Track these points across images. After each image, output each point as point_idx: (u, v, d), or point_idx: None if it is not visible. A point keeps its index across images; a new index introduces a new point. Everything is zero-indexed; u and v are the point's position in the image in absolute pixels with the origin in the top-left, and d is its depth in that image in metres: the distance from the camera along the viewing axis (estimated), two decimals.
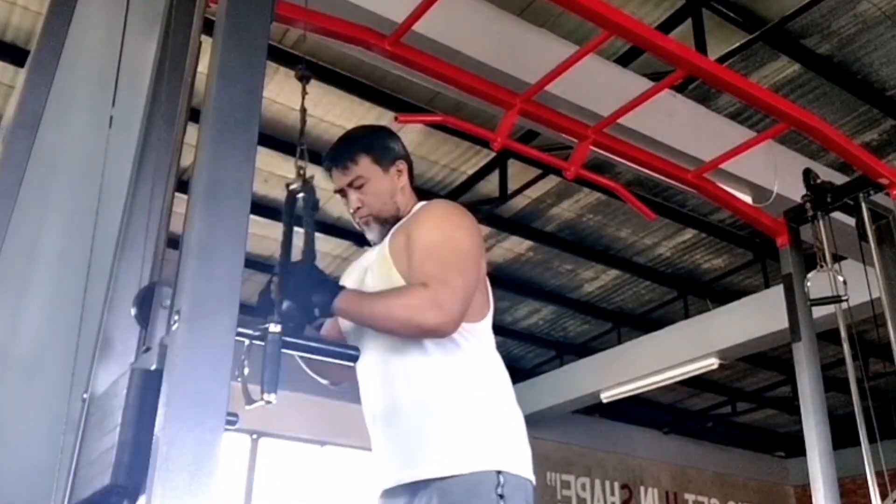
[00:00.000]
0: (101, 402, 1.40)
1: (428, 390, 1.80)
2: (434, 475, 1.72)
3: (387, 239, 1.97)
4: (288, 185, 1.79)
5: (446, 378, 1.80)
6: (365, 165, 2.00)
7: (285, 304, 1.64)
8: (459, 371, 1.81)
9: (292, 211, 1.75)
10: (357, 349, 1.68)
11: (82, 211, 1.81)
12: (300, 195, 1.73)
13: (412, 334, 1.78)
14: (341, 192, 2.04)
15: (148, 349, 1.28)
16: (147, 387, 1.18)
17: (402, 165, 2.06)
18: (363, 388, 1.94)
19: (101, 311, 1.64)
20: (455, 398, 1.79)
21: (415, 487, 1.76)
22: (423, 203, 2.04)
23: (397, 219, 2.01)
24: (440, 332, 1.76)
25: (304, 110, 1.84)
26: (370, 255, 2.04)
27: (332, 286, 1.75)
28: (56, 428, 1.53)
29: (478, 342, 1.87)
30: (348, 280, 2.04)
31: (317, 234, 2.35)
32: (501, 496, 1.68)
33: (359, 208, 2.01)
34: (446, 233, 1.88)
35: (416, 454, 1.77)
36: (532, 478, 1.78)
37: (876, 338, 3.75)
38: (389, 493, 1.83)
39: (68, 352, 1.61)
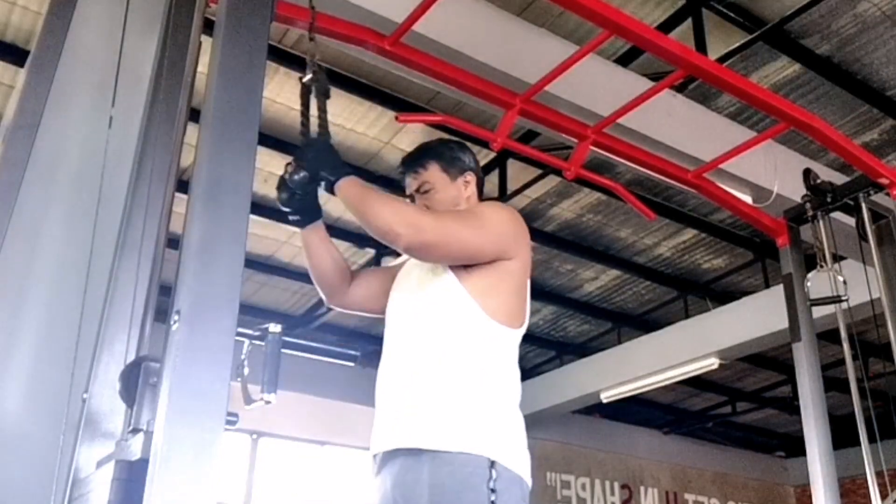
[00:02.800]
0: (84, 487, 1.37)
1: (445, 373, 1.81)
2: (425, 446, 1.73)
3: None
4: (301, 79, 2.03)
5: (465, 367, 1.82)
6: (433, 172, 2.09)
7: (299, 175, 1.88)
8: (480, 365, 1.83)
9: (308, 102, 2.02)
10: (357, 350, 1.68)
11: (82, 211, 1.81)
12: (314, 84, 2.00)
13: (383, 238, 1.86)
14: (411, 197, 2.12)
15: (134, 430, 1.23)
16: (132, 479, 1.15)
17: (470, 177, 2.13)
18: (385, 354, 1.97)
19: (100, 310, 1.64)
20: (467, 386, 1.80)
21: (405, 456, 1.77)
22: None
23: None
24: (406, 248, 1.83)
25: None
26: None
27: (344, 168, 1.91)
28: (56, 428, 1.53)
29: (507, 348, 1.90)
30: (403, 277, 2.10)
31: None
32: (493, 490, 1.67)
33: None
34: (480, 207, 2.01)
35: (414, 424, 1.78)
36: (528, 480, 1.78)
37: (876, 338, 3.75)
38: (380, 458, 1.85)
39: (68, 351, 1.61)
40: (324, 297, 2.17)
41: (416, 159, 2.12)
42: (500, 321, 1.87)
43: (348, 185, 1.89)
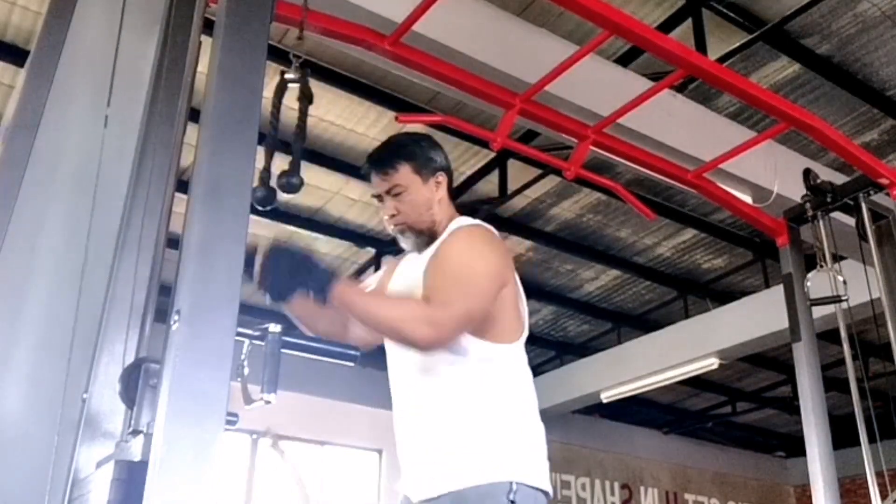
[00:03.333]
0: (84, 488, 1.38)
1: (456, 409, 1.84)
2: (452, 489, 1.78)
3: (426, 260, 1.95)
4: (283, 73, 1.93)
5: (475, 398, 1.84)
6: (405, 174, 1.98)
7: (271, 295, 1.66)
8: (489, 392, 1.85)
9: (281, 98, 1.90)
10: (357, 349, 1.69)
11: (82, 211, 1.81)
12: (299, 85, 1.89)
13: (400, 344, 1.81)
14: (378, 196, 2.02)
15: (134, 432, 1.24)
16: (131, 479, 1.15)
17: (441, 177, 2.03)
18: (395, 396, 1.98)
19: (100, 310, 1.64)
20: (481, 418, 1.83)
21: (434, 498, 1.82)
22: (458, 220, 2.02)
23: (432, 231, 2.00)
24: (427, 349, 1.78)
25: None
26: (414, 268, 2.01)
27: (329, 275, 1.69)
28: (52, 429, 1.53)
29: (511, 363, 1.90)
30: (397, 284, 2.05)
31: (317, 236, 2.34)
32: (513, 502, 1.73)
33: (394, 215, 1.99)
34: (467, 258, 1.88)
35: (439, 470, 1.82)
36: (548, 489, 1.83)
37: (876, 338, 3.74)
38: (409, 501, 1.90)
39: (67, 352, 1.61)
40: None
41: (387, 159, 2.01)
42: (504, 341, 1.88)
43: (344, 293, 1.71)
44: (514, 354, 1.92)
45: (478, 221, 2.02)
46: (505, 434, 1.83)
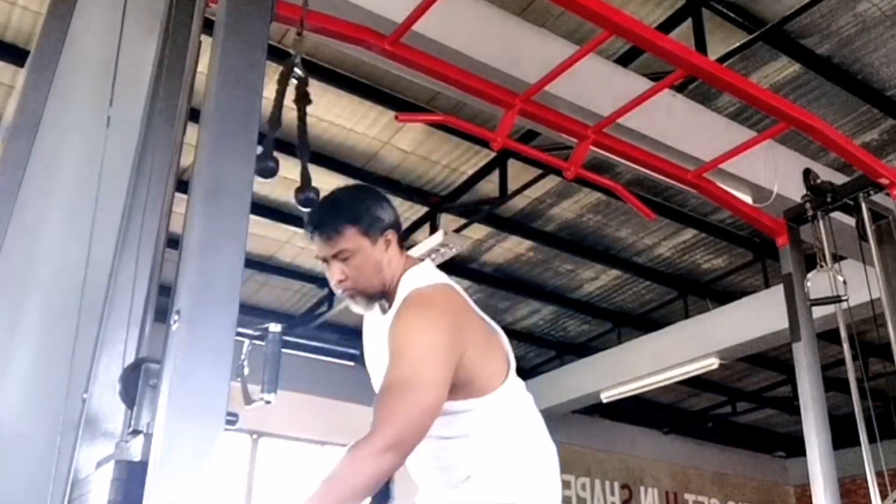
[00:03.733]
0: (84, 488, 1.38)
1: (464, 452, 1.85)
2: None
3: (385, 337, 1.82)
4: (287, 65, 1.89)
5: (480, 442, 1.85)
6: (351, 237, 1.84)
7: None
8: (491, 434, 1.86)
9: (285, 89, 1.88)
10: (357, 349, 1.69)
11: (82, 211, 1.81)
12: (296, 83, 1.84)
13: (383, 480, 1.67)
14: (324, 260, 1.88)
15: (134, 432, 1.23)
16: (131, 479, 1.14)
17: (391, 235, 1.90)
18: None
19: (100, 310, 1.64)
20: (489, 456, 1.85)
21: None
22: (409, 279, 1.88)
23: (383, 293, 1.90)
24: (401, 465, 1.67)
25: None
26: (378, 341, 1.90)
27: None
28: (54, 428, 1.53)
29: (504, 404, 1.89)
30: (374, 365, 1.97)
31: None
32: None
33: (342, 280, 1.86)
34: (412, 351, 1.73)
35: (452, 491, 1.86)
36: None
37: (876, 338, 3.75)
38: None
39: (67, 352, 1.61)
40: None
41: (330, 223, 1.85)
42: (488, 391, 1.85)
43: None
44: (505, 394, 1.89)
45: (426, 280, 1.87)
46: (513, 465, 1.87)
